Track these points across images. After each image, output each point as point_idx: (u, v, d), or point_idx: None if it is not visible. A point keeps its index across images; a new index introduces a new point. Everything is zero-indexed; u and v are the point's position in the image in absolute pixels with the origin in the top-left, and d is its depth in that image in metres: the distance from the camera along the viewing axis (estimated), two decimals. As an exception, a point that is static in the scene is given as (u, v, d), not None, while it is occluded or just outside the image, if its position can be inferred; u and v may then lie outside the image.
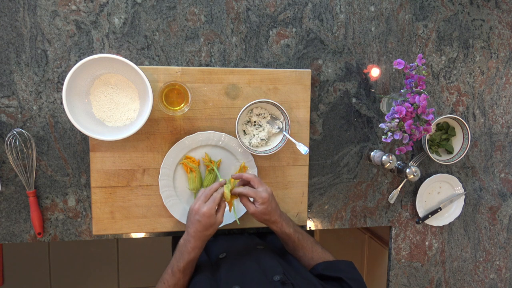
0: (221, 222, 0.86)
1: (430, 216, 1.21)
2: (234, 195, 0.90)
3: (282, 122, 1.05)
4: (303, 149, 0.99)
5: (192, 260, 0.86)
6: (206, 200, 0.86)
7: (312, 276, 0.85)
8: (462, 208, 1.24)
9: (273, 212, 0.89)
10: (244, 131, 1.06)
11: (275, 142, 1.06)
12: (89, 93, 0.96)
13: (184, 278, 0.86)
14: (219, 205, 0.87)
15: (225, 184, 0.90)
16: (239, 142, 1.02)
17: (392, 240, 1.24)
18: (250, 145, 1.04)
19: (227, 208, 1.06)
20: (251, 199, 0.90)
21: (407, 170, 1.07)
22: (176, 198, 1.04)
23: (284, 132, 1.04)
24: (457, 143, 1.18)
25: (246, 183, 0.94)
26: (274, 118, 1.06)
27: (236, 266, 0.88)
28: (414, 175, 1.07)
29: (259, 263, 0.87)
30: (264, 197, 0.87)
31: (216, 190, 0.88)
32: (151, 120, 1.01)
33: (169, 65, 1.04)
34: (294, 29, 1.09)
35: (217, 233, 1.05)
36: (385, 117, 1.01)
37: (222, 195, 0.88)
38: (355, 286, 0.82)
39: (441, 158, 1.18)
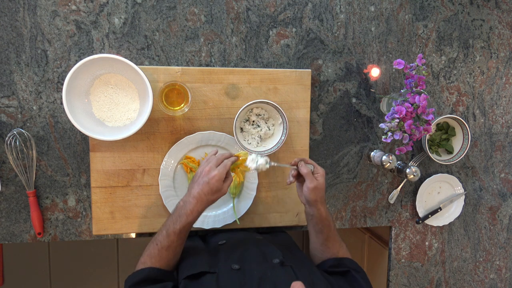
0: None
1: (430, 216, 1.21)
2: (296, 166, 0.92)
3: (280, 124, 1.05)
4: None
5: (189, 224, 0.82)
6: (217, 165, 0.84)
7: (312, 264, 0.86)
8: (462, 208, 1.24)
9: (323, 191, 0.91)
10: (241, 128, 1.06)
11: (272, 143, 1.06)
12: (89, 93, 0.96)
13: (177, 241, 0.83)
14: (226, 175, 0.85)
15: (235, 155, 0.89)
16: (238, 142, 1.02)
17: (392, 240, 1.24)
18: (248, 145, 1.04)
19: (228, 207, 1.07)
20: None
21: (407, 170, 1.07)
22: (176, 198, 1.04)
23: (282, 135, 1.04)
24: (457, 143, 1.18)
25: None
26: (272, 119, 1.06)
27: (236, 250, 0.88)
28: (414, 175, 1.07)
29: (259, 248, 0.88)
30: (323, 171, 0.91)
31: (227, 158, 0.87)
32: (151, 120, 1.01)
33: (169, 65, 1.04)
34: (294, 29, 1.09)
35: (215, 231, 1.05)
36: (385, 117, 1.01)
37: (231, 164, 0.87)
38: (360, 277, 0.84)
39: (441, 158, 1.18)
